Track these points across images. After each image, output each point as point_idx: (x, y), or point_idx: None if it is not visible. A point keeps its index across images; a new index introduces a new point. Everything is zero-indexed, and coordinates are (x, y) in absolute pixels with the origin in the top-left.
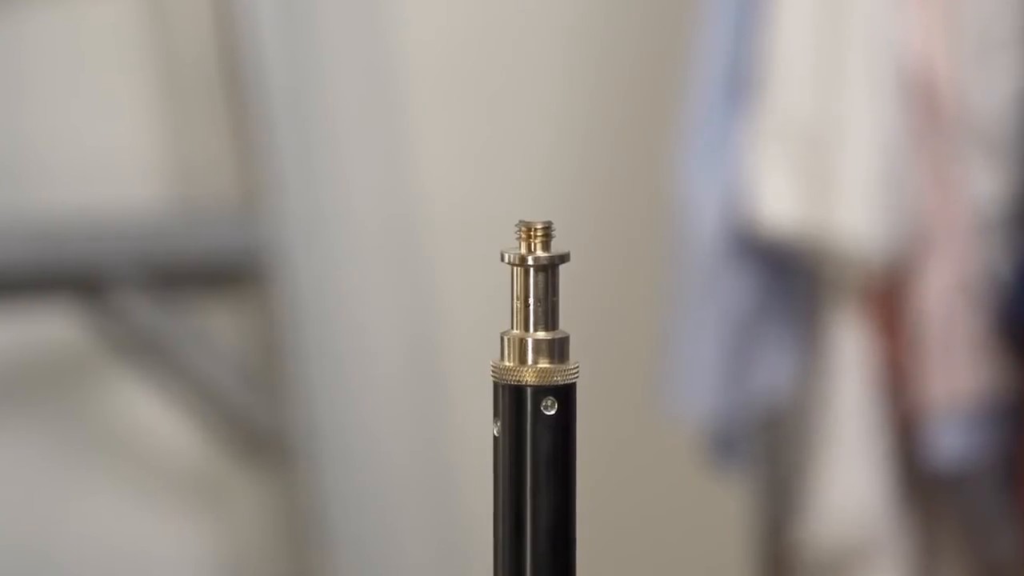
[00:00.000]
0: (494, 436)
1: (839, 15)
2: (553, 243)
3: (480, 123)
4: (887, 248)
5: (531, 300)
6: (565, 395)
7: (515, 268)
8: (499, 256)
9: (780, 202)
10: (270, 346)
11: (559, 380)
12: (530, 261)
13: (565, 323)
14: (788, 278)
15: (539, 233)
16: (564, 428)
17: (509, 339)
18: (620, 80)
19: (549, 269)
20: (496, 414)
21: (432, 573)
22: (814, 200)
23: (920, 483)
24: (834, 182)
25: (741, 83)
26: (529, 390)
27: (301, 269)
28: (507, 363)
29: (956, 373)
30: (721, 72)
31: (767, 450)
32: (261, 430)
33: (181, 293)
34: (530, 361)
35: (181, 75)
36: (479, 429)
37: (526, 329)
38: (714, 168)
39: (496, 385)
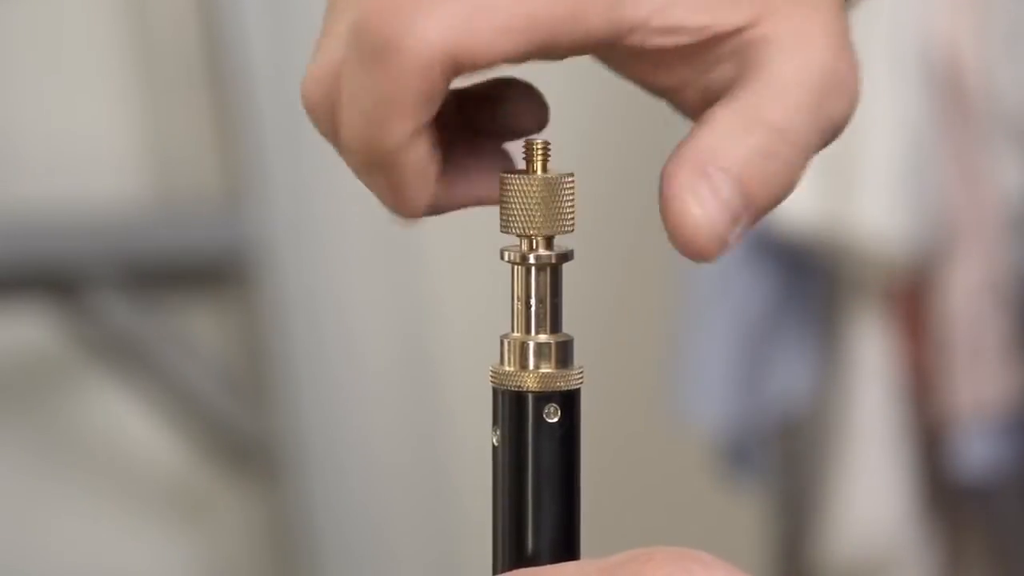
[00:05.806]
0: (493, 445)
1: None
2: (556, 239)
3: None
4: (911, 246)
5: (532, 301)
6: (569, 402)
7: (515, 267)
8: (498, 254)
9: (797, 197)
10: (254, 349)
11: (562, 386)
12: (531, 259)
13: (569, 325)
14: (806, 278)
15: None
16: (568, 437)
17: (509, 342)
18: None
19: (552, 268)
20: (495, 422)
21: None
22: (833, 194)
23: (945, 495)
24: (855, 175)
25: None
26: (530, 397)
27: (287, 268)
28: (507, 368)
29: (984, 379)
30: None
31: (784, 460)
32: (245, 438)
33: (160, 293)
34: (531, 366)
35: (161, 62)
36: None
37: (527, 332)
38: None
39: (495, 391)
